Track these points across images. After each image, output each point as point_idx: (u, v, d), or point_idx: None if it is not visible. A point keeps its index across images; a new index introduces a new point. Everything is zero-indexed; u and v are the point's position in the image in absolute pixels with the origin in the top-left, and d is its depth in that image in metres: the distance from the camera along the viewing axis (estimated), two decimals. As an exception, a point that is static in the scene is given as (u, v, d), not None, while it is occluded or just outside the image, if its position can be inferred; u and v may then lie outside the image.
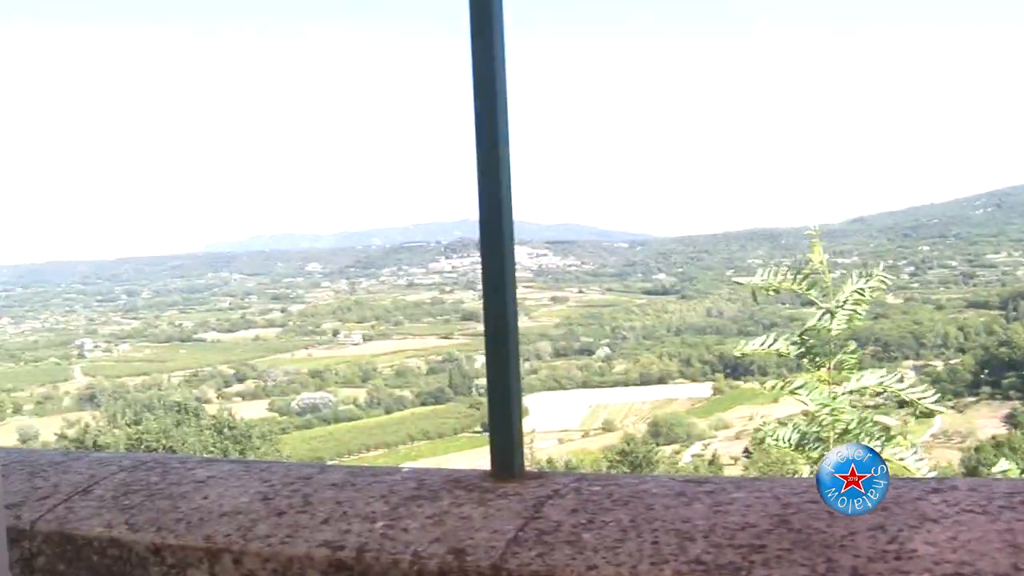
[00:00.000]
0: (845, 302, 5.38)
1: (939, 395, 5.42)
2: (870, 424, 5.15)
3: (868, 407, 5.56)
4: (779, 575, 1.99)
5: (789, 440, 5.38)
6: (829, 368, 5.31)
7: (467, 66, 2.67)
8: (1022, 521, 2.07)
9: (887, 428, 5.25)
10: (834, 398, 5.19)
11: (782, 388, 5.48)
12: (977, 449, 60.21)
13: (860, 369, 5.41)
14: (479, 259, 2.73)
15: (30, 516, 2.91)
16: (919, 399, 5.17)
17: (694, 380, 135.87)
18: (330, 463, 3.21)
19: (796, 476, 4.75)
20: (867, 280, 5.47)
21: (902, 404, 6.64)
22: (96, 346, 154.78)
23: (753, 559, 2.05)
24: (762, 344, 5.59)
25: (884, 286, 5.47)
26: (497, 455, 2.71)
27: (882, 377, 5.31)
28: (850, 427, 5.10)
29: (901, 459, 5.02)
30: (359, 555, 2.40)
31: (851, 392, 5.23)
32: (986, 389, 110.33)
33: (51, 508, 2.96)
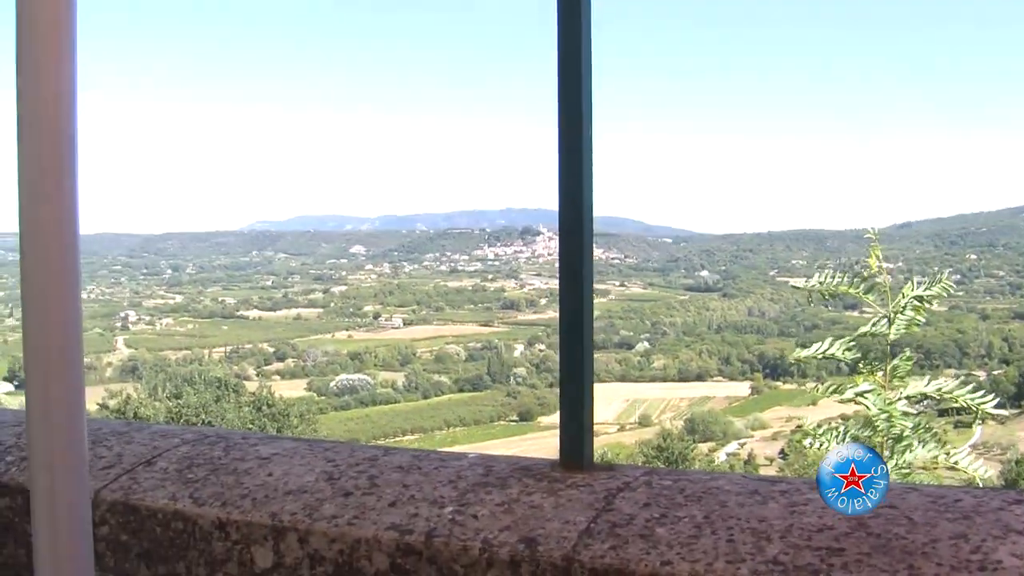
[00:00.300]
0: (905, 307, 5.33)
1: (1000, 400, 5.37)
2: (923, 430, 5.10)
3: (910, 414, 5.50)
4: (859, 580, 1.96)
5: (830, 445, 5.33)
6: (885, 373, 5.26)
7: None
8: (1107, 538, 2.03)
9: (937, 435, 5.19)
10: (890, 403, 5.14)
11: (836, 390, 5.44)
12: (1018, 462, 59.68)
13: (912, 375, 5.35)
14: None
15: (94, 485, 2.91)
16: (980, 404, 5.11)
17: (732, 379, 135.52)
18: (393, 445, 3.19)
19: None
20: (929, 287, 5.41)
21: (942, 413, 6.57)
22: (140, 319, 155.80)
23: (832, 562, 2.02)
24: (817, 350, 5.54)
25: (946, 293, 5.41)
26: (567, 445, 2.69)
27: (939, 384, 5.25)
28: (904, 433, 5.05)
29: (955, 463, 4.98)
30: (428, 540, 2.39)
31: (908, 398, 5.18)
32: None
33: (115, 478, 2.96)
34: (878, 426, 5.11)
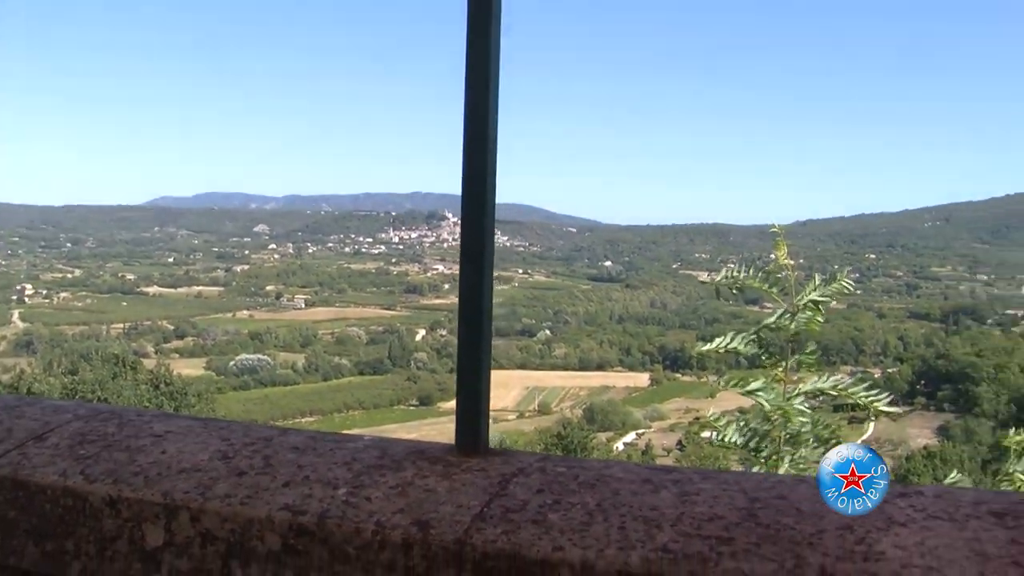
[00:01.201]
0: (806, 303, 5.37)
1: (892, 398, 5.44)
2: (821, 427, 5.15)
3: (807, 411, 5.56)
4: (747, 568, 1.98)
5: (735, 437, 5.36)
6: (786, 369, 5.30)
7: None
8: (988, 531, 2.07)
9: (836, 431, 5.24)
10: (788, 399, 5.18)
11: (735, 384, 5.47)
12: (908, 458, 60.92)
13: (814, 371, 5.39)
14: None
15: (-19, 460, 2.86)
16: (873, 402, 5.16)
17: (632, 369, 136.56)
18: (290, 426, 3.17)
19: (762, 472, 4.75)
20: (829, 284, 5.46)
21: (837, 408, 6.65)
22: (36, 292, 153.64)
23: (721, 550, 2.04)
24: (719, 344, 5.56)
25: (847, 290, 5.46)
26: (463, 429, 2.69)
27: (836, 380, 5.30)
28: (802, 429, 5.09)
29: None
30: (321, 521, 2.38)
31: (805, 394, 5.22)
32: (921, 399, 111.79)
33: (4, 453, 2.91)
34: (774, 421, 5.16)
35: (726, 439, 5.32)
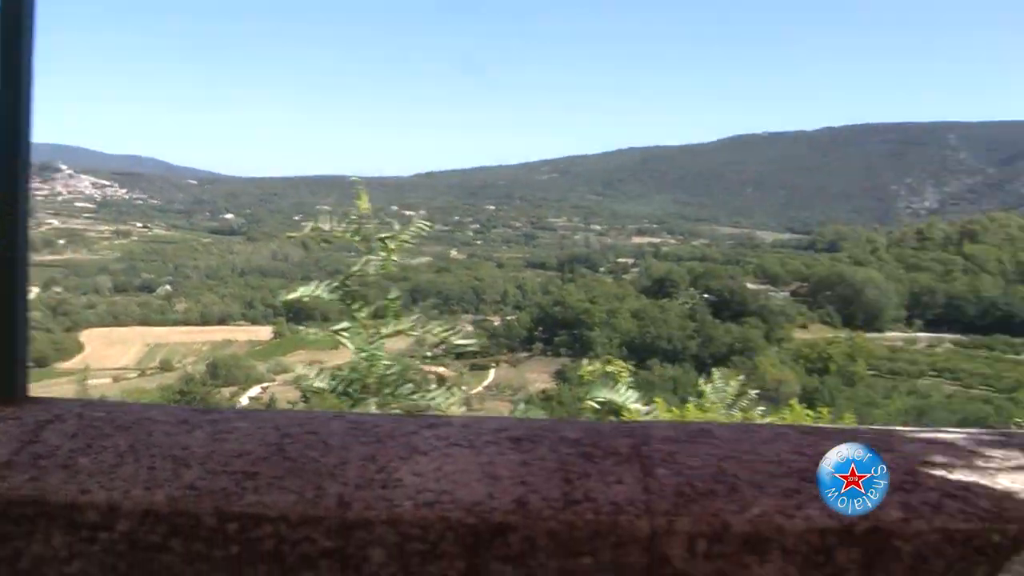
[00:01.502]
0: (382, 249, 5.48)
1: (480, 341, 5.63)
2: (412, 372, 5.27)
3: (427, 357, 5.71)
4: (269, 500, 2.05)
5: (328, 386, 5.43)
6: (368, 314, 5.39)
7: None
8: (503, 455, 2.22)
9: (431, 377, 5.39)
10: (372, 343, 5.28)
11: (327, 333, 5.54)
12: (527, 401, 62.74)
13: (405, 317, 5.50)
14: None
15: None
16: (450, 336, 5.34)
17: (255, 323, 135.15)
18: None
19: (297, 410, 4.83)
20: (406, 228, 5.59)
21: (459, 356, 6.86)
22: None
23: (246, 485, 2.11)
24: (303, 292, 5.60)
25: (423, 233, 5.60)
26: (-2, 378, 2.65)
27: (413, 321, 5.43)
28: (388, 373, 5.20)
29: (432, 399, 5.16)
30: None
31: (386, 336, 5.34)
32: (539, 345, 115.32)
33: None
34: (360, 367, 5.25)
35: (313, 385, 5.40)
